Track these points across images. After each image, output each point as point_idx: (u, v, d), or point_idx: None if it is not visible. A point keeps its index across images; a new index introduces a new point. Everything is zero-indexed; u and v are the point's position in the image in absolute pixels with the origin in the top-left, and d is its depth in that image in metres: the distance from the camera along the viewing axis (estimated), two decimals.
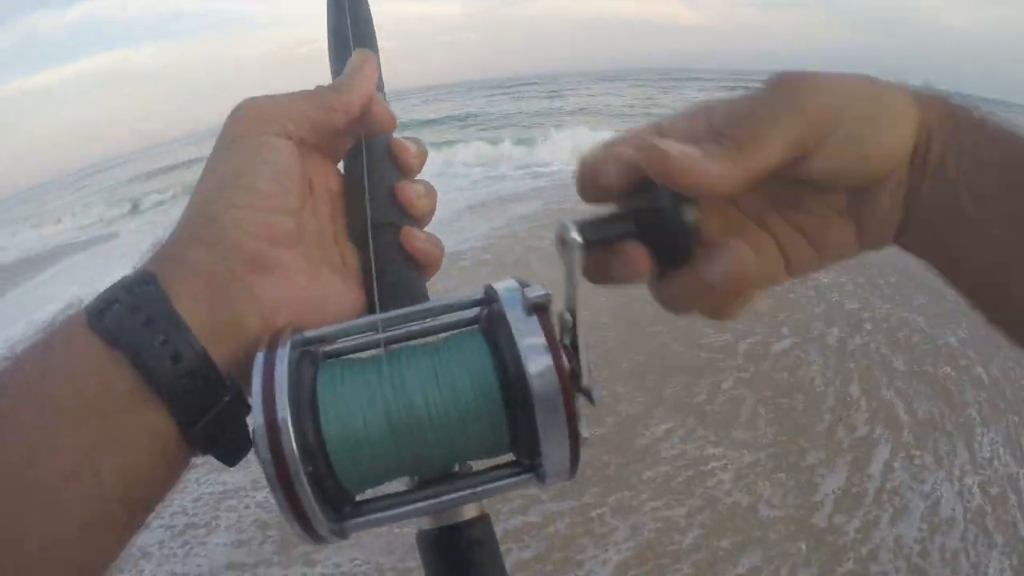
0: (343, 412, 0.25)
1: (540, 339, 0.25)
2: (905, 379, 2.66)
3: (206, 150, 0.32)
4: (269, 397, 0.24)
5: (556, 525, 1.96)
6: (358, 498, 0.29)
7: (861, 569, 1.79)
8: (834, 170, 0.27)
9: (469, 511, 0.30)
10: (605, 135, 0.37)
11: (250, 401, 0.24)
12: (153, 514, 0.27)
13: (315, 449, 0.24)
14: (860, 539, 1.88)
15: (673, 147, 0.25)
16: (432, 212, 0.35)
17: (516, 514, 1.98)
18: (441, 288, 0.31)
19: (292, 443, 0.23)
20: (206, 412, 0.26)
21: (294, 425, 0.24)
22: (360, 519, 0.27)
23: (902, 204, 0.28)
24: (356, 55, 0.34)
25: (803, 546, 1.86)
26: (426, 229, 0.35)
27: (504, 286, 0.27)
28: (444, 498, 0.27)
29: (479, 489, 0.27)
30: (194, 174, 0.32)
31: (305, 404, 0.25)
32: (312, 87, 0.33)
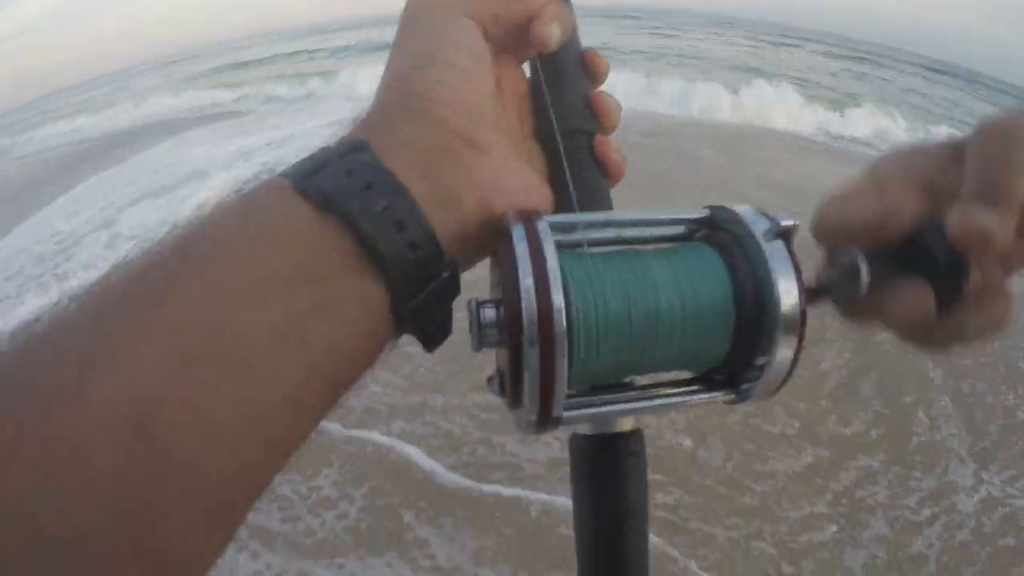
0: (584, 297, 0.25)
1: (788, 264, 0.25)
2: None
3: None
4: (542, 276, 0.24)
5: None
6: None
7: None
8: None
9: (627, 423, 0.30)
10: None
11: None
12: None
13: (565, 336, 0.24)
14: None
15: (991, 223, 0.24)
16: (617, 126, 0.35)
17: None
18: None
19: (563, 321, 0.23)
20: (424, 287, 0.25)
21: (557, 311, 0.23)
22: (579, 411, 0.27)
23: None
24: None
25: None
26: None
27: (743, 209, 0.28)
28: (656, 402, 0.28)
29: (684, 399, 0.28)
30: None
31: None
32: None
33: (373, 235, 0.23)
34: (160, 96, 10.75)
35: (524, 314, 0.23)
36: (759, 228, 0.26)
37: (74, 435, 0.18)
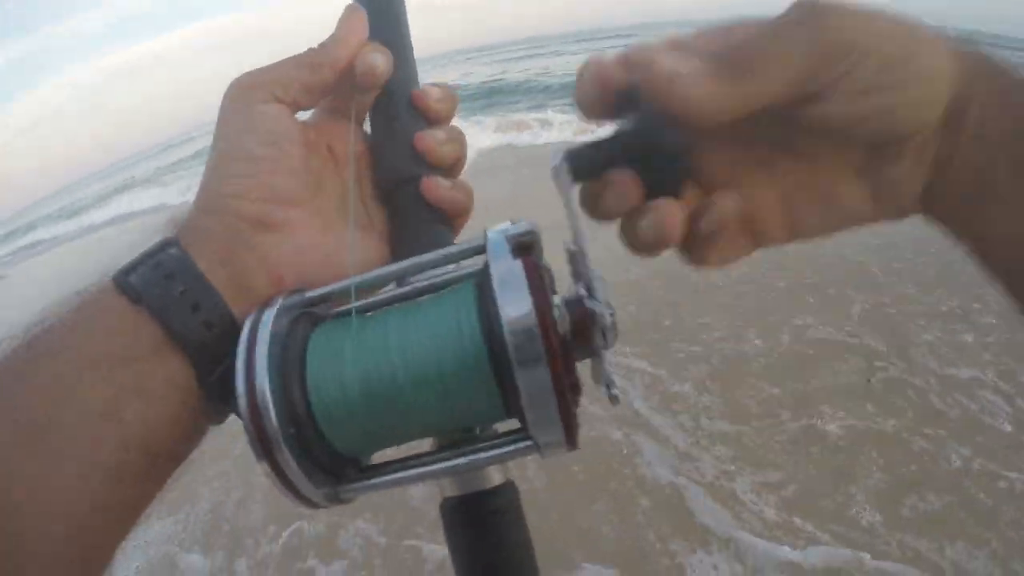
0: (325, 376, 0.24)
1: (521, 287, 0.22)
2: None
3: None
4: (249, 366, 0.24)
5: None
6: (374, 461, 0.28)
7: None
8: (850, 118, 0.23)
9: (493, 478, 0.28)
10: None
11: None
12: (171, 477, 0.28)
13: (302, 417, 0.24)
14: None
15: (663, 59, 0.23)
16: (460, 159, 0.34)
17: None
18: None
19: (271, 415, 0.23)
20: (222, 362, 0.27)
21: (275, 395, 0.23)
22: (358, 484, 0.26)
23: (930, 167, 0.25)
24: (344, 9, 0.33)
25: None
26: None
27: (495, 229, 0.25)
28: (453, 463, 0.26)
29: (477, 456, 0.25)
30: None
31: (292, 369, 0.24)
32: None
33: (172, 318, 0.26)
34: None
35: (240, 411, 0.23)
36: (500, 249, 0.23)
37: None
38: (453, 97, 0.34)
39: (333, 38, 0.32)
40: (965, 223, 0.26)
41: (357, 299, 0.28)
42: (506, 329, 0.21)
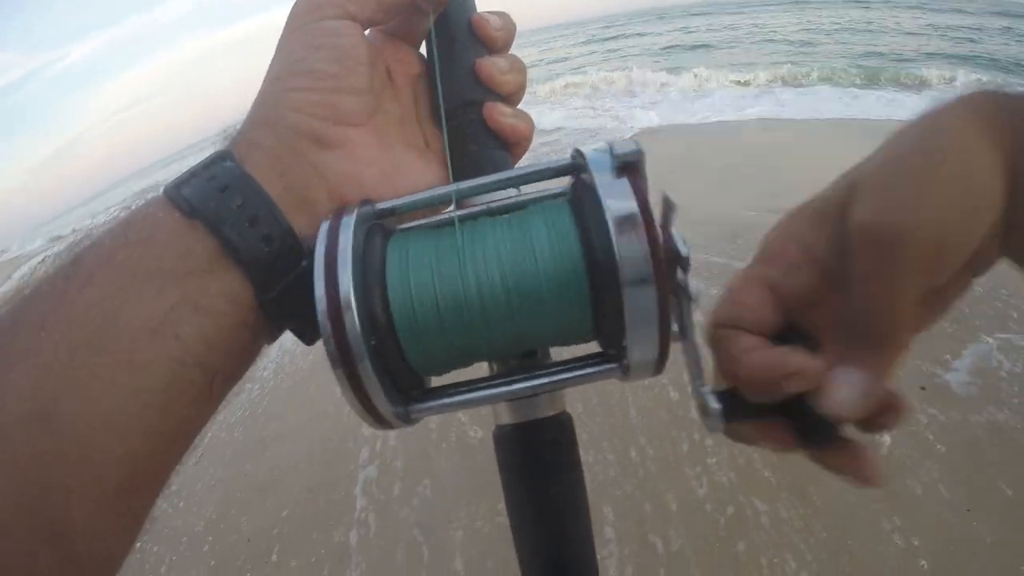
0: (410, 288, 0.23)
1: (630, 202, 0.22)
2: None
3: None
4: (331, 269, 0.23)
5: None
6: (434, 383, 0.28)
7: None
8: (959, 271, 0.25)
9: (548, 407, 0.28)
10: None
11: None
12: (232, 390, 0.27)
13: (383, 328, 0.23)
14: None
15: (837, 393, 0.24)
16: (521, 87, 0.33)
17: None
18: None
19: (355, 321, 0.22)
20: (282, 279, 0.26)
21: (358, 301, 0.22)
22: (427, 404, 0.26)
23: (1003, 227, 0.25)
24: None
25: None
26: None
27: (593, 147, 0.24)
28: (516, 387, 0.25)
29: (556, 379, 0.25)
30: None
31: (373, 279, 0.23)
32: None
33: (228, 231, 0.25)
34: None
35: (319, 316, 0.22)
36: (604, 168, 0.23)
37: None
38: (512, 25, 0.34)
39: None
40: None
41: (422, 216, 0.28)
42: (613, 232, 0.21)
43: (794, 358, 0.24)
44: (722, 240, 2.56)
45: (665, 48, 12.53)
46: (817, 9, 14.70)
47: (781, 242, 0.28)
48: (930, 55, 7.80)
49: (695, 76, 7.64)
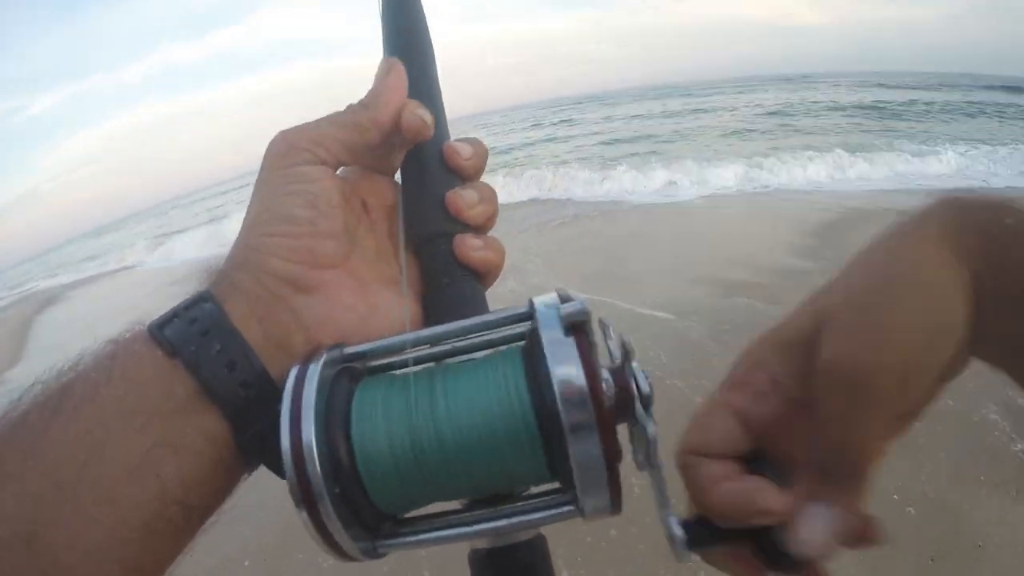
0: (371, 432, 0.25)
1: (575, 367, 0.23)
2: None
3: None
4: (295, 421, 0.24)
5: None
6: (408, 515, 0.28)
7: None
8: (927, 392, 0.25)
9: (523, 532, 0.28)
10: None
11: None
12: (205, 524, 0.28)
13: (347, 471, 0.24)
14: None
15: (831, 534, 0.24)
16: (491, 217, 0.34)
17: None
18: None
19: (317, 469, 0.23)
20: (259, 420, 0.27)
21: (320, 450, 0.23)
22: (395, 540, 0.26)
23: (972, 338, 0.25)
24: (381, 64, 0.33)
25: None
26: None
27: (543, 300, 0.25)
28: (483, 526, 0.26)
29: (518, 519, 0.26)
30: None
31: (337, 426, 0.25)
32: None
33: (208, 376, 0.26)
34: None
35: (285, 464, 0.23)
36: (552, 326, 0.24)
37: None
38: (483, 153, 0.34)
39: (375, 95, 0.32)
40: (1007, 363, 0.25)
41: (390, 357, 0.29)
42: (559, 397, 0.22)
43: (762, 496, 0.25)
44: None
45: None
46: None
47: (748, 370, 0.28)
48: None
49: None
